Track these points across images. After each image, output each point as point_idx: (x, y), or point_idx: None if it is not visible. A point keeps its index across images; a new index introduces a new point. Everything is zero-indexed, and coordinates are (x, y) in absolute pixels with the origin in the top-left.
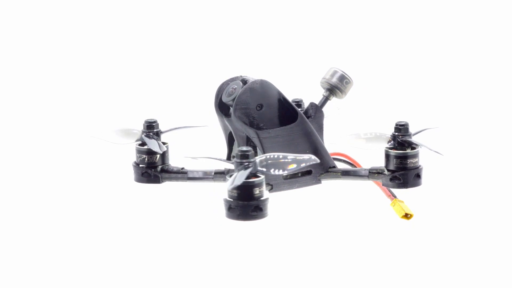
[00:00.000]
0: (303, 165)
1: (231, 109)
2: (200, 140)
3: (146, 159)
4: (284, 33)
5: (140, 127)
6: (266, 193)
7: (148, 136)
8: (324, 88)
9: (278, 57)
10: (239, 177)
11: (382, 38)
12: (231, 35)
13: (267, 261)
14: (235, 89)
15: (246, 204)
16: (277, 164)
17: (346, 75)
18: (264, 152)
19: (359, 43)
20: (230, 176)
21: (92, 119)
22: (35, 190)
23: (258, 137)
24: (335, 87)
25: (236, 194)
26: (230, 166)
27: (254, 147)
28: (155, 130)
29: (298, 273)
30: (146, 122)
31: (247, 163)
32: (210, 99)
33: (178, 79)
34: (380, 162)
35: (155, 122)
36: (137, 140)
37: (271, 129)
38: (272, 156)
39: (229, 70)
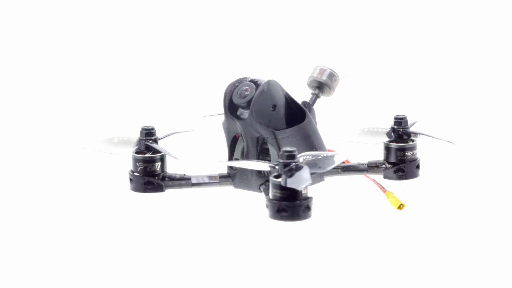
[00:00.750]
0: (332, 166)
1: (240, 111)
2: (191, 144)
3: (147, 168)
4: (275, 31)
5: (128, 134)
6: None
7: (150, 144)
8: (313, 87)
9: (266, 57)
10: (305, 175)
11: (375, 35)
12: (223, 36)
13: (302, 259)
14: (246, 90)
15: (298, 204)
16: (317, 162)
17: (334, 72)
18: None
19: (350, 40)
20: (275, 177)
21: (82, 128)
22: (36, 202)
23: (275, 137)
24: (325, 85)
25: (285, 195)
26: (263, 167)
27: (262, 149)
28: (153, 137)
29: (324, 267)
30: (144, 129)
31: (294, 163)
32: (202, 101)
33: (167, 81)
34: (370, 156)
35: (153, 129)
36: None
37: (286, 129)
38: (309, 157)
39: (215, 71)
